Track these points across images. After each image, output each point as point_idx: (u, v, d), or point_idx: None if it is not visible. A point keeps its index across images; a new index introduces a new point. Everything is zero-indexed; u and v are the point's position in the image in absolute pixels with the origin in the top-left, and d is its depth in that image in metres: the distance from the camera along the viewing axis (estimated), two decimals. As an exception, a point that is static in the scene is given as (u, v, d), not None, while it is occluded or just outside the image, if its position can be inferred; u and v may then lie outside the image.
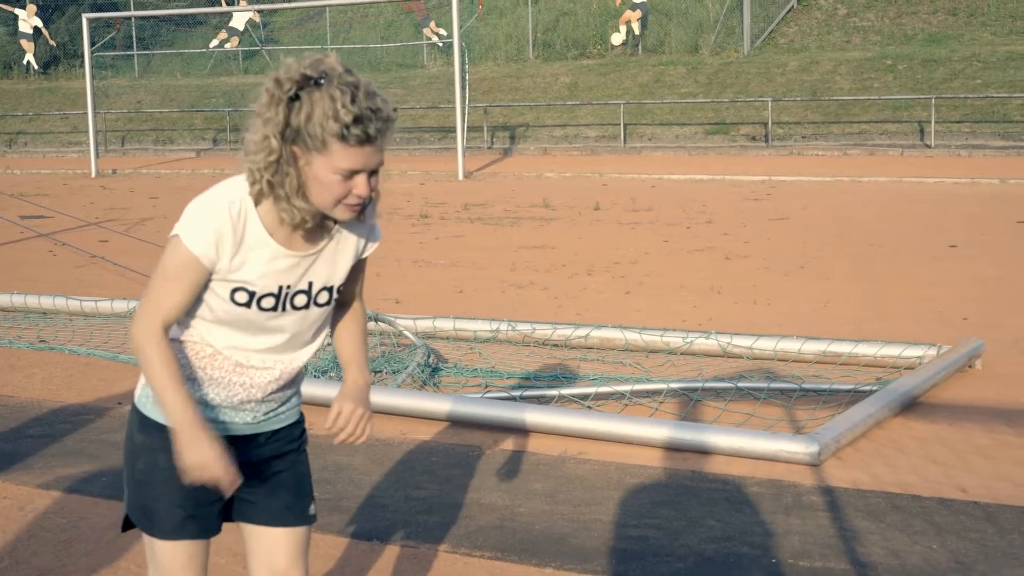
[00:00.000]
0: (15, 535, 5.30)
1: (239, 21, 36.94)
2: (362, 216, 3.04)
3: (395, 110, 2.91)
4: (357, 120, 2.80)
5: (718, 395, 7.22)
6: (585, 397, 7.19)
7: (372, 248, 3.23)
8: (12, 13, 39.03)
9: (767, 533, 5.13)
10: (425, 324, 9.02)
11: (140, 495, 3.16)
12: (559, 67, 31.85)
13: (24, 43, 38.58)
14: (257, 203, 2.96)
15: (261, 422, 3.21)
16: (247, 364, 3.11)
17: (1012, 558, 4.81)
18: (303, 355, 3.20)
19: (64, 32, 39.82)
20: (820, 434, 6.09)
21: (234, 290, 3.00)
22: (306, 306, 3.11)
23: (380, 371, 7.97)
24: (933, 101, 24.99)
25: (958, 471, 5.91)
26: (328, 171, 2.84)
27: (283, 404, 3.26)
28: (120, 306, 10.12)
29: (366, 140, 2.82)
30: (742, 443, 6.12)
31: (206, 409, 3.11)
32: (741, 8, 30.17)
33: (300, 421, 3.34)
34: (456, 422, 6.81)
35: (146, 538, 3.21)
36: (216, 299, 3.03)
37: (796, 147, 26.11)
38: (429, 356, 8.13)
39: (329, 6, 35.12)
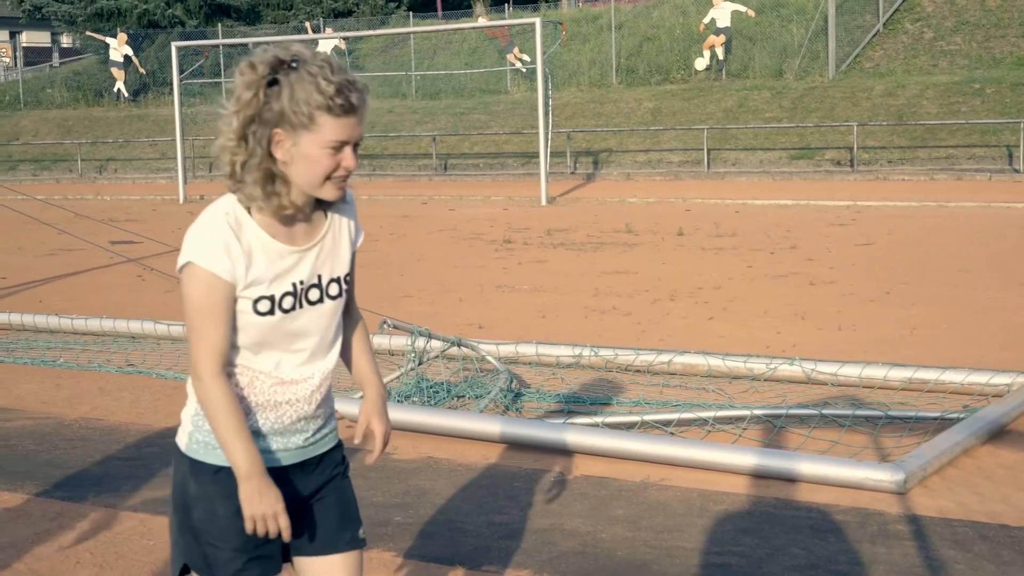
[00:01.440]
0: (103, 555, 5.38)
1: (325, 48, 37.29)
2: (344, 196, 3.13)
3: (366, 85, 3.02)
4: (339, 91, 2.91)
5: (802, 422, 7.17)
6: (668, 423, 7.17)
7: (359, 241, 3.28)
8: (103, 42, 39.76)
9: (852, 562, 5.08)
10: (508, 349, 9.03)
11: (199, 543, 3.14)
12: (642, 92, 31.83)
13: (115, 71, 39.26)
14: (235, 190, 3.04)
15: (311, 444, 3.21)
16: (287, 379, 3.12)
17: (1103, 590, 4.73)
18: (331, 359, 3.21)
19: (153, 60, 40.48)
20: (906, 462, 6.02)
21: (255, 301, 3.03)
22: (320, 300, 3.14)
23: (463, 396, 8.00)
24: (1022, 125, 24.67)
25: (1048, 501, 5.82)
26: (317, 146, 2.93)
27: (326, 423, 3.27)
28: (207, 330, 10.23)
29: (350, 109, 2.93)
30: (827, 470, 6.07)
31: (257, 439, 3.11)
32: (826, 32, 29.98)
33: (340, 445, 3.34)
34: (538, 447, 6.81)
35: None
36: (243, 317, 3.05)
37: (882, 172, 25.88)
38: (512, 381, 8.14)
39: (413, 33, 35.38)
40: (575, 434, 6.76)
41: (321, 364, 3.18)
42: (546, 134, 24.34)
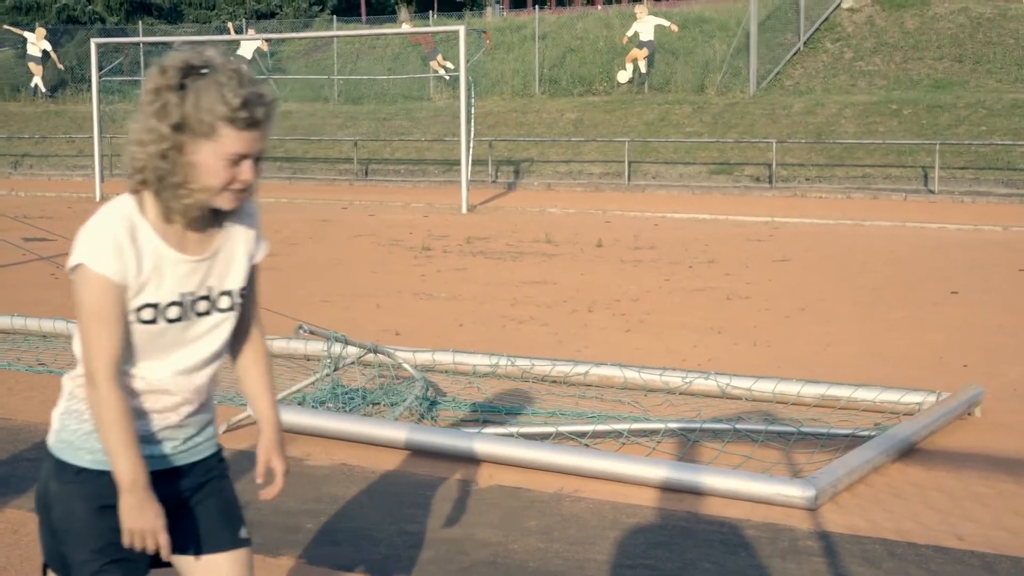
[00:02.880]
0: (7, 557, 5.28)
1: (247, 50, 37.03)
2: (243, 204, 3.08)
3: (275, 97, 2.99)
4: (245, 104, 2.88)
5: (716, 436, 7.20)
6: (582, 435, 7.17)
7: (262, 254, 3.26)
8: (21, 36, 39.18)
9: (762, 577, 5.10)
10: (424, 357, 9.00)
11: (57, 544, 3.12)
12: (565, 103, 31.92)
13: (32, 66, 38.67)
14: (140, 199, 3.00)
15: (181, 452, 3.19)
16: (160, 388, 3.10)
17: (1008, 609, 4.78)
18: (207, 373, 3.19)
19: (72, 56, 39.97)
20: (817, 478, 6.07)
21: (139, 308, 3.00)
22: (208, 312, 3.12)
23: (378, 403, 7.95)
24: (937, 147, 25.01)
25: (956, 519, 5.89)
26: (216, 157, 2.90)
27: (200, 432, 3.25)
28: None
29: (253, 124, 2.90)
30: (739, 485, 6.10)
31: None
32: (748, 49, 30.23)
33: (219, 452, 3.34)
34: (452, 456, 6.79)
35: None
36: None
37: (800, 189, 26.12)
38: (427, 389, 8.11)
39: (337, 37, 35.26)
40: (489, 444, 6.75)
41: (196, 376, 3.16)
42: (468, 142, 24.31)
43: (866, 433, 7.13)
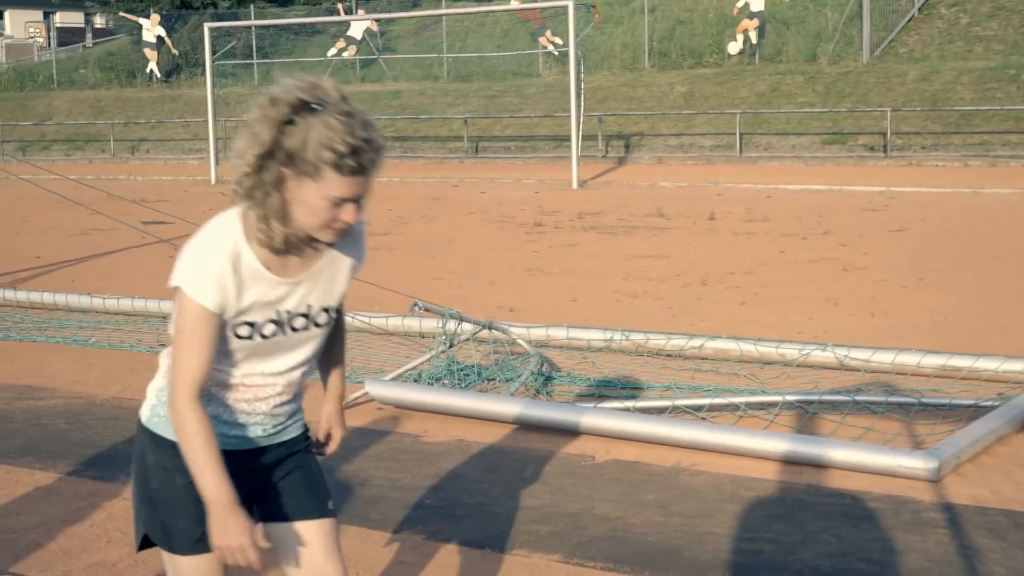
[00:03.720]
0: (133, 534, 5.37)
1: (357, 30, 37.29)
2: (347, 235, 3.07)
3: (386, 140, 2.93)
4: (353, 151, 2.82)
5: (835, 408, 7.12)
6: (699, 408, 7.14)
7: (362, 265, 3.27)
8: (136, 23, 39.84)
9: (885, 549, 5.05)
10: (539, 332, 9.01)
11: (157, 513, 3.18)
12: (675, 76, 31.70)
13: (147, 52, 39.32)
14: (247, 220, 2.98)
15: (271, 435, 3.26)
16: (253, 384, 3.16)
17: None
18: (302, 370, 3.24)
19: (186, 41, 40.52)
20: (940, 449, 5.98)
21: (237, 326, 3.04)
22: (306, 328, 3.15)
23: (494, 379, 7.98)
24: (1058, 112, 24.49)
25: (1083, 490, 5.77)
26: (318, 197, 2.87)
27: (290, 418, 3.32)
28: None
29: (359, 171, 2.85)
30: (859, 457, 6.03)
31: (218, 424, 3.13)
32: (860, 17, 29.79)
33: (305, 431, 3.40)
34: (569, 431, 6.80)
35: (165, 555, 3.23)
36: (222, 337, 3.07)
37: (915, 157, 25.72)
38: (542, 365, 8.12)
39: (446, 15, 35.34)
40: (606, 418, 6.75)
41: (289, 375, 3.21)
42: (578, 117, 24.28)
43: (989, 403, 7.00)
